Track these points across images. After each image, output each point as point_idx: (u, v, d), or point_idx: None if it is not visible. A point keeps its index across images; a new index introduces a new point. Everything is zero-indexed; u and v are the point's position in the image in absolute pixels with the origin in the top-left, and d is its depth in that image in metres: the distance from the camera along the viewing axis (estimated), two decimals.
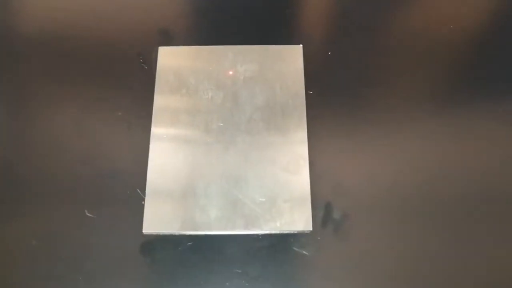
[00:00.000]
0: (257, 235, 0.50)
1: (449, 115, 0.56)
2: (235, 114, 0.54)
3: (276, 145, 0.53)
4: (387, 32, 0.61)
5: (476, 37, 0.61)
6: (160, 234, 0.50)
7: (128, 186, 0.52)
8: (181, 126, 0.54)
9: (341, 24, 0.62)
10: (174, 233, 0.50)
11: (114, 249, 0.50)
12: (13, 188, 0.52)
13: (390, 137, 0.54)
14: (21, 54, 0.59)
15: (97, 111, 0.56)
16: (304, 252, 0.50)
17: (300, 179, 0.52)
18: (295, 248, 0.50)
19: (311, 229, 0.50)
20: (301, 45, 0.58)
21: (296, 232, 0.50)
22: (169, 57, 0.58)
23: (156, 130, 0.54)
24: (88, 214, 0.51)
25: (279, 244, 0.50)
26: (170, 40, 0.60)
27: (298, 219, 0.50)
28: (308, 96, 0.56)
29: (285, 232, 0.50)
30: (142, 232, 0.50)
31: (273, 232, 0.50)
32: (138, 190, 0.51)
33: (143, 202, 0.51)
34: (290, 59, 0.57)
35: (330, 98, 0.56)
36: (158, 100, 0.55)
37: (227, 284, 0.48)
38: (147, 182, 0.51)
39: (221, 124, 0.54)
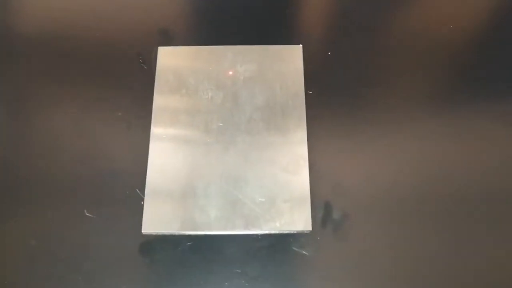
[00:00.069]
0: (257, 235, 0.50)
1: (449, 115, 0.56)
2: (234, 114, 0.54)
3: (276, 145, 0.53)
4: (387, 32, 0.61)
5: (476, 37, 0.61)
6: (160, 234, 0.50)
7: (127, 186, 0.52)
8: (181, 126, 0.54)
9: (340, 24, 0.62)
10: (173, 233, 0.50)
11: (113, 249, 0.50)
12: (13, 188, 0.52)
13: (390, 137, 0.54)
14: (21, 54, 0.59)
15: (97, 111, 0.56)
16: (303, 252, 0.50)
17: (299, 179, 0.52)
18: (294, 248, 0.50)
19: (311, 229, 0.50)
20: (300, 45, 0.58)
21: (295, 232, 0.50)
22: (168, 57, 0.58)
23: (155, 130, 0.54)
24: (88, 214, 0.51)
25: (279, 244, 0.50)
26: (170, 40, 0.60)
27: (298, 219, 0.50)
28: (307, 96, 0.55)
29: (284, 232, 0.50)
30: (141, 232, 0.50)
31: (272, 232, 0.50)
32: (137, 190, 0.51)
33: (142, 202, 0.51)
34: (289, 59, 0.57)
35: (329, 98, 0.56)
36: (158, 100, 0.55)
37: (226, 284, 0.48)
38: (147, 182, 0.51)
39: (221, 124, 0.54)
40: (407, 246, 0.50)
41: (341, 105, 0.56)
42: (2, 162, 0.53)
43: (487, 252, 0.50)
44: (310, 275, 0.49)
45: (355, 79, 0.57)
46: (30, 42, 0.60)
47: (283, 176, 0.52)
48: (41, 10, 0.62)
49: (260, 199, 0.51)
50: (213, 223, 0.50)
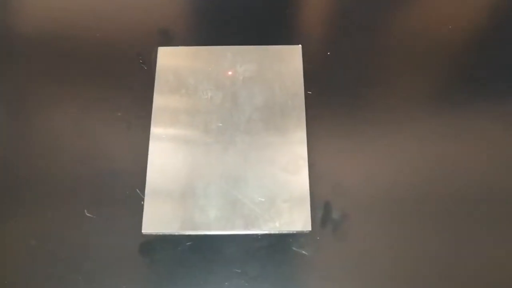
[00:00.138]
0: (257, 235, 0.50)
1: (449, 115, 0.56)
2: (234, 114, 0.54)
3: (275, 145, 0.53)
4: (386, 32, 0.61)
5: (476, 37, 0.61)
6: (160, 234, 0.50)
7: (127, 186, 0.52)
8: (181, 126, 0.54)
9: (340, 24, 0.62)
10: (173, 233, 0.50)
11: (113, 249, 0.50)
12: (13, 188, 0.52)
13: (390, 137, 0.54)
14: (21, 54, 0.59)
15: (97, 111, 0.56)
16: (303, 252, 0.50)
17: (299, 179, 0.52)
18: (294, 248, 0.50)
19: (310, 229, 0.50)
20: (300, 45, 0.58)
21: (295, 232, 0.50)
22: (168, 57, 0.58)
23: (155, 130, 0.54)
24: (88, 214, 0.51)
25: (278, 244, 0.50)
26: (169, 40, 0.60)
27: (297, 219, 0.50)
28: (307, 96, 0.55)
29: (284, 232, 0.50)
30: (141, 232, 0.50)
31: (272, 232, 0.50)
32: (137, 190, 0.51)
33: (142, 202, 0.51)
34: (289, 59, 0.57)
35: (329, 98, 0.56)
36: (158, 100, 0.55)
37: (226, 284, 0.48)
38: (147, 182, 0.51)
39: (221, 124, 0.54)
40: (407, 246, 0.50)
41: (341, 105, 0.56)
42: (2, 162, 0.53)
43: (487, 252, 0.50)
44: (310, 275, 0.49)
45: (355, 79, 0.57)
46: (30, 42, 0.60)
47: (282, 176, 0.52)
48: (41, 10, 0.62)
49: (259, 199, 0.51)
50: (213, 223, 0.50)
